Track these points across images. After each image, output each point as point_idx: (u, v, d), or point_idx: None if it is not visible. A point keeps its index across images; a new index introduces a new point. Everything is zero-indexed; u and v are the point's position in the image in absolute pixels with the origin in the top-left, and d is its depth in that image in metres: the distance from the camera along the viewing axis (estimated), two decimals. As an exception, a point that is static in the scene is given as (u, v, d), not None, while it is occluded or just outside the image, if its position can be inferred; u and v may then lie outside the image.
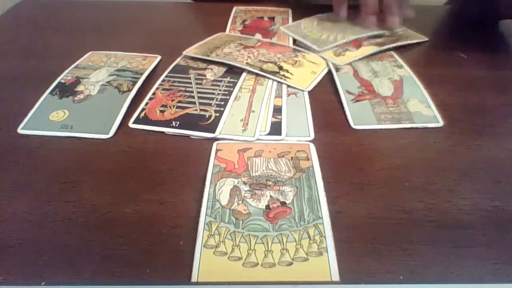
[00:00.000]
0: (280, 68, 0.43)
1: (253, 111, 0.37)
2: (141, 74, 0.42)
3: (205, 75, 0.43)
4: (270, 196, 0.28)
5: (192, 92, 0.40)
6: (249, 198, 0.28)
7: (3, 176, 0.31)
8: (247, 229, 0.26)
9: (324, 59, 0.45)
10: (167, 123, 0.36)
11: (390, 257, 0.25)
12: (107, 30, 0.54)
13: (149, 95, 0.39)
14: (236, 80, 0.41)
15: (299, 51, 0.47)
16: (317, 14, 0.55)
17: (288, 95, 0.40)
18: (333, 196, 0.29)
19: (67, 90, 0.40)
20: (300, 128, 0.35)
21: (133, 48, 0.48)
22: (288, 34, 0.51)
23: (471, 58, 0.47)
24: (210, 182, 0.30)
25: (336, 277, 0.23)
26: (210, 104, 0.38)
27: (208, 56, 0.45)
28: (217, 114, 0.36)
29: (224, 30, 0.54)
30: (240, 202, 0.28)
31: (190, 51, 0.47)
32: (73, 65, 0.44)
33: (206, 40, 0.50)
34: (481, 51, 0.49)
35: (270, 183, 0.30)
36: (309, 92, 0.40)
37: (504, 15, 0.51)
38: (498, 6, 0.49)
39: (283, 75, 0.42)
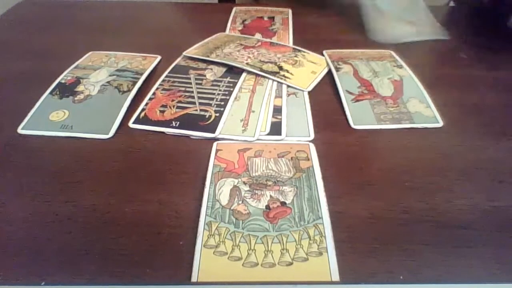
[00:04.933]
0: (280, 68, 0.43)
1: (253, 111, 0.37)
2: (141, 74, 0.42)
3: (205, 75, 0.43)
4: (270, 196, 0.28)
5: (192, 92, 0.40)
6: (249, 198, 0.28)
7: (3, 176, 0.31)
8: (247, 229, 0.26)
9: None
10: (167, 123, 0.36)
11: (390, 257, 0.25)
12: (107, 30, 0.54)
13: (149, 95, 0.39)
14: (236, 80, 0.41)
15: (299, 51, 0.47)
16: (316, 13, 0.55)
17: (288, 95, 0.40)
18: (333, 196, 0.29)
19: (67, 90, 0.40)
20: (300, 128, 0.35)
21: (133, 48, 0.48)
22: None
23: (471, 58, 0.47)
24: (210, 182, 0.29)
25: (336, 277, 0.23)
26: (210, 104, 0.38)
27: (208, 56, 0.45)
28: (217, 114, 0.36)
29: (224, 30, 0.54)
30: (240, 202, 0.28)
31: (190, 51, 0.47)
32: (73, 65, 0.44)
33: (206, 40, 0.50)
34: (481, 51, 0.49)
35: (270, 183, 0.30)
36: (309, 92, 0.40)
37: None
38: None
39: (283, 75, 0.42)
